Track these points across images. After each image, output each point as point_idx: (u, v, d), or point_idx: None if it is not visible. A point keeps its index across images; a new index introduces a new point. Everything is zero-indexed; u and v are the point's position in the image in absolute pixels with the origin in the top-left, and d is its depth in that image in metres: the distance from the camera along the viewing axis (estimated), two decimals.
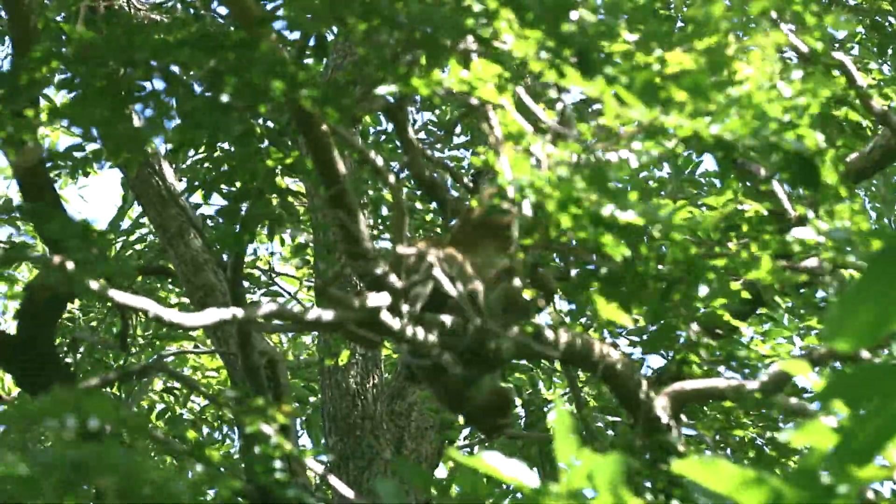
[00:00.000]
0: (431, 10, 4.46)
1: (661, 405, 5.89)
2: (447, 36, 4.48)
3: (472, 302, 5.46)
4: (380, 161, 5.18)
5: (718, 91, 4.71)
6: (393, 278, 5.09)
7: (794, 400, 6.13)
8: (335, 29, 5.34)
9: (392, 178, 5.14)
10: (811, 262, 7.07)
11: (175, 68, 4.65)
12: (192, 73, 4.65)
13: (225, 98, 4.60)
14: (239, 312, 4.90)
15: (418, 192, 8.55)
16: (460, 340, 5.31)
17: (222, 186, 6.41)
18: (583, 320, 7.72)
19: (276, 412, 4.89)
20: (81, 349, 9.01)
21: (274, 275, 11.29)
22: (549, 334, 5.94)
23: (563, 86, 4.79)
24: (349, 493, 5.24)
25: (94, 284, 4.33)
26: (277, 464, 4.94)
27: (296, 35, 5.48)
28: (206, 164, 6.60)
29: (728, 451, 6.69)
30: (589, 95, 4.72)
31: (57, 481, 3.70)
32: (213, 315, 4.79)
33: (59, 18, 6.81)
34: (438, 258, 5.51)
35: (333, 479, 5.14)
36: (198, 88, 4.70)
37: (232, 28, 4.76)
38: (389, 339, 5.28)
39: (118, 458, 3.75)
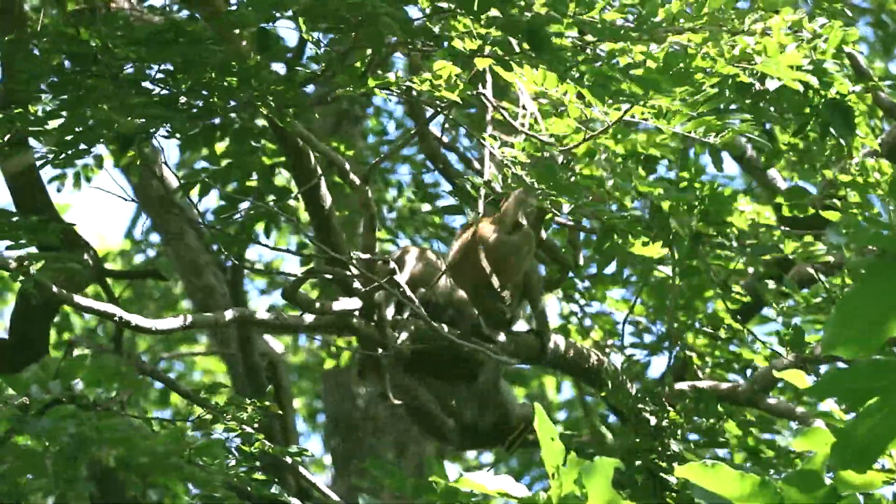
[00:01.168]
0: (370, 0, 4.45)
1: (649, 407, 5.85)
2: (388, 27, 4.47)
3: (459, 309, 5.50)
4: (340, 160, 5.16)
5: (677, 86, 4.71)
6: (357, 283, 5.11)
7: (775, 400, 6.10)
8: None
9: (358, 181, 5.13)
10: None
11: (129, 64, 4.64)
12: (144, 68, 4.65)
13: (177, 96, 4.58)
14: (205, 317, 4.92)
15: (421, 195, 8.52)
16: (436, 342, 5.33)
17: (218, 186, 6.37)
18: (581, 323, 7.70)
19: (261, 409, 4.86)
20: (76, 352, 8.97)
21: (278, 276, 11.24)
22: (556, 340, 5.93)
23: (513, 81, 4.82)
24: (323, 486, 5.24)
25: (55, 289, 4.31)
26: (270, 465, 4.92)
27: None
28: (200, 164, 6.58)
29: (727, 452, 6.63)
30: (548, 90, 4.73)
31: (58, 453, 3.68)
32: (179, 321, 4.82)
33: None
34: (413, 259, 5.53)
35: (304, 471, 5.13)
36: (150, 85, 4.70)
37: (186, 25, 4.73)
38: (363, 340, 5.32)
39: (117, 430, 3.72)
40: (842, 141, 5.46)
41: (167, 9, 6.02)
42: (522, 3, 4.59)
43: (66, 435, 3.66)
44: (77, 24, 5.04)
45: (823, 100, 5.24)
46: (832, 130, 5.36)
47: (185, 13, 6.29)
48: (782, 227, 5.98)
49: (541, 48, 4.57)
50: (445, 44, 4.69)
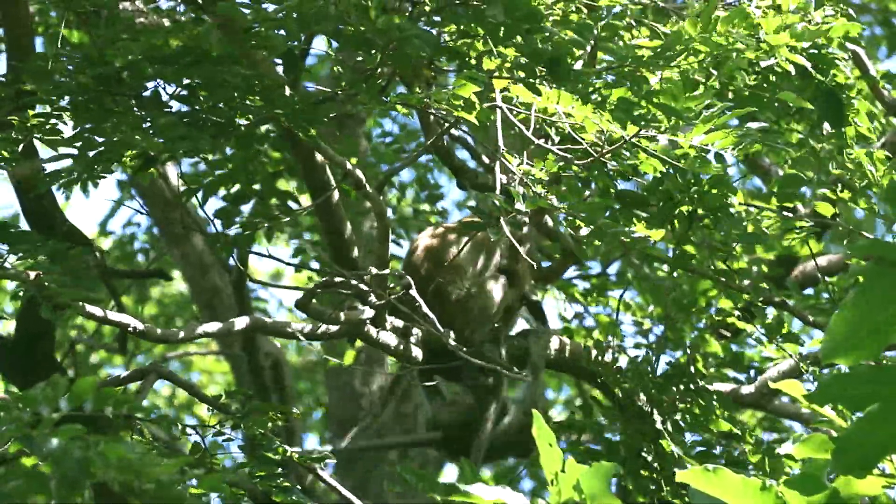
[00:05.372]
0: (400, 23, 4.48)
1: (654, 408, 5.87)
2: (418, 49, 4.50)
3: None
4: (359, 173, 5.18)
5: (692, 107, 4.73)
6: (372, 295, 5.13)
7: (786, 402, 6.10)
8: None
9: (371, 191, 5.15)
10: (821, 262, 7.02)
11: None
12: (166, 87, 4.66)
13: (199, 114, 4.60)
14: (217, 326, 4.94)
15: (423, 195, 8.52)
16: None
17: (221, 189, 6.37)
18: (585, 324, 7.70)
19: (278, 415, 4.88)
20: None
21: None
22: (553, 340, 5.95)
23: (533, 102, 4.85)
24: (345, 491, 5.26)
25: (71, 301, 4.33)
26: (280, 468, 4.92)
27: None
28: (203, 167, 6.58)
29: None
30: (567, 113, 4.75)
31: (62, 476, 3.68)
32: (191, 329, 4.86)
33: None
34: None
35: (326, 475, 5.14)
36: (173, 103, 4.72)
37: (210, 43, 4.75)
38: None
39: (123, 455, 3.73)
40: (829, 128, 5.49)
41: (175, 11, 6.02)
42: (547, 34, 4.63)
43: (71, 459, 3.68)
44: (80, 26, 5.04)
45: (820, 87, 5.26)
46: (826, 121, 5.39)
47: (191, 15, 6.32)
48: (782, 214, 5.98)
49: (563, 78, 4.61)
50: (467, 63, 4.72)
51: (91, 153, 4.61)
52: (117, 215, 10.37)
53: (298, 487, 4.80)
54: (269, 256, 5.33)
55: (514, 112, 5.00)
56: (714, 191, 5.03)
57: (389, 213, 8.40)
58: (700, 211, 5.09)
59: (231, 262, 8.05)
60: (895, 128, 6.84)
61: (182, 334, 4.85)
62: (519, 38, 4.61)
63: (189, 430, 4.79)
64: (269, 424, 4.79)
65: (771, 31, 5.08)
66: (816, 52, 5.24)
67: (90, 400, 3.97)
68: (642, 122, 4.68)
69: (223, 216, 5.59)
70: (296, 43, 4.76)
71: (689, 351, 6.64)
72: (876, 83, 6.30)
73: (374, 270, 5.09)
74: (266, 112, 4.65)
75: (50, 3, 5.53)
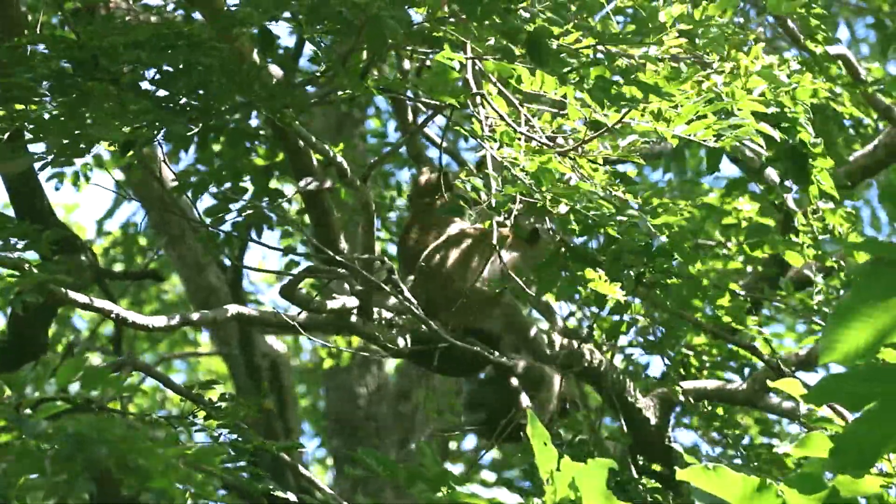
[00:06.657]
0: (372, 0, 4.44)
1: (648, 407, 5.87)
2: (391, 28, 4.45)
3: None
4: (343, 162, 5.16)
5: (677, 92, 4.71)
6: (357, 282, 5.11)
7: (777, 401, 6.11)
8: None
9: (357, 181, 5.13)
10: (806, 269, 7.02)
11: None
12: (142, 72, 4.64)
13: (176, 98, 4.58)
14: (205, 315, 4.93)
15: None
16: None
17: (212, 188, 6.37)
18: (581, 324, 7.69)
19: (253, 407, 4.86)
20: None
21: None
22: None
23: (515, 84, 4.82)
24: (322, 484, 5.24)
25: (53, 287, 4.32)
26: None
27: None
28: (196, 165, 6.58)
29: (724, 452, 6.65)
30: (547, 94, 4.74)
31: (56, 453, 3.67)
32: (177, 318, 4.84)
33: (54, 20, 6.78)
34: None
35: (301, 468, 5.13)
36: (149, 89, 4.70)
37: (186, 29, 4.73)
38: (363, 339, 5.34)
39: (116, 430, 3.72)
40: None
41: (164, 8, 6.01)
42: (525, 14, 4.58)
43: (64, 435, 3.66)
44: (75, 23, 5.02)
45: (784, 145, 5.28)
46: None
47: (181, 12, 6.30)
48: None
49: (542, 60, 4.56)
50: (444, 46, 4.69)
51: (68, 137, 4.58)
52: (115, 216, 10.37)
53: (269, 475, 4.76)
54: (260, 243, 5.31)
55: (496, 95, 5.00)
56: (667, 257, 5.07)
57: (392, 215, 8.40)
58: (649, 273, 5.13)
59: (227, 261, 8.05)
60: (889, 128, 6.85)
61: (165, 322, 4.82)
62: (496, 19, 4.54)
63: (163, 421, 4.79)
64: (243, 414, 4.76)
65: (734, 97, 5.05)
66: (780, 111, 5.25)
67: (78, 384, 3.96)
68: (622, 102, 4.66)
69: (213, 215, 5.58)
70: (274, 21, 4.71)
71: (685, 351, 6.64)
72: (871, 89, 6.32)
73: (358, 255, 5.06)
74: (242, 95, 4.62)
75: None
